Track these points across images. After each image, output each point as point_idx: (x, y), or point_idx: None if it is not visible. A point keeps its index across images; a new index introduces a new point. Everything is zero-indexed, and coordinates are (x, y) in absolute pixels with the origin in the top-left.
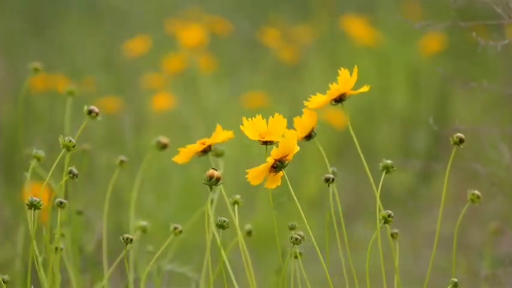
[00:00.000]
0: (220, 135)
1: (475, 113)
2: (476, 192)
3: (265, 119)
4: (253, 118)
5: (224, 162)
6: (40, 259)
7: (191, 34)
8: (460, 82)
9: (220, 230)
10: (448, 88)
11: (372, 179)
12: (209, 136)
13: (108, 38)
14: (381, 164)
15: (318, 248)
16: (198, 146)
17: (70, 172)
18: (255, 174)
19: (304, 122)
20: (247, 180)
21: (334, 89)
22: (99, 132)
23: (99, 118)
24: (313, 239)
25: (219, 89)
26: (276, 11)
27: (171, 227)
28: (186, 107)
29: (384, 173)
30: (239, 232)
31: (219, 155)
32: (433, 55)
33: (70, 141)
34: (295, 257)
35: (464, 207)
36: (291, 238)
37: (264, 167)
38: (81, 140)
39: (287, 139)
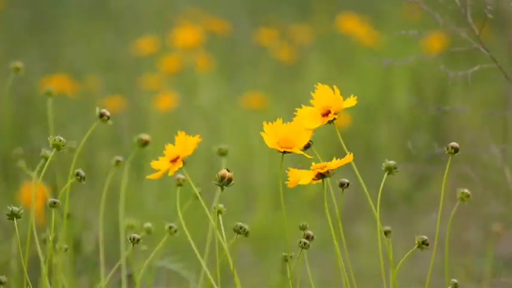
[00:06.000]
0: (189, 146)
1: (475, 112)
2: (466, 191)
3: (285, 124)
4: (256, 119)
5: (225, 162)
6: (42, 260)
7: (190, 34)
8: (433, 107)
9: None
10: (449, 88)
11: (364, 185)
12: (208, 135)
13: (108, 38)
14: (383, 164)
15: (319, 248)
16: (168, 166)
17: (77, 174)
18: (293, 181)
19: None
20: (287, 182)
21: (324, 108)
22: (99, 132)
23: (110, 122)
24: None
25: (218, 89)
26: (275, 11)
27: (166, 226)
28: (186, 107)
29: (386, 173)
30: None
31: (223, 153)
32: (437, 56)
33: (60, 140)
34: (297, 258)
35: (462, 209)
36: (300, 242)
37: (304, 180)
38: (80, 140)
39: (342, 161)
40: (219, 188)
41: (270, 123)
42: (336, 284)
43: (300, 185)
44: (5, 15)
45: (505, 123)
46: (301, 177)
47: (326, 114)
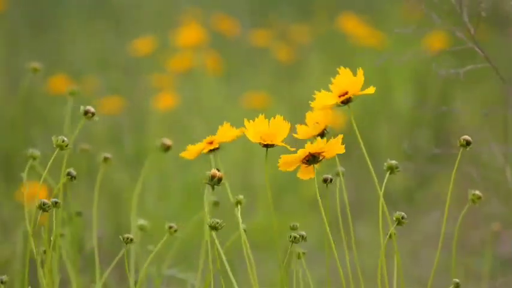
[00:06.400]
0: (228, 134)
1: (476, 112)
2: (477, 192)
3: (267, 120)
4: (254, 119)
5: (226, 162)
6: (39, 259)
7: (192, 34)
8: (433, 107)
9: (215, 231)
10: (450, 88)
11: (375, 179)
12: (209, 135)
13: (108, 38)
14: (385, 164)
15: (319, 248)
16: (204, 146)
17: (68, 174)
18: (285, 161)
19: (317, 119)
20: (278, 165)
21: (341, 91)
22: (100, 132)
23: (96, 118)
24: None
25: (219, 89)
26: (276, 11)
27: (166, 226)
28: (186, 107)
29: (388, 173)
30: (242, 234)
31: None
32: (435, 54)
33: (63, 141)
34: (298, 257)
35: (464, 208)
36: (290, 237)
37: (296, 157)
38: (81, 140)
39: (335, 140)
40: (256, 176)
41: (251, 121)
42: (329, 283)
43: (299, 181)
44: (5, 15)
45: (505, 123)
46: (291, 157)
47: (343, 95)
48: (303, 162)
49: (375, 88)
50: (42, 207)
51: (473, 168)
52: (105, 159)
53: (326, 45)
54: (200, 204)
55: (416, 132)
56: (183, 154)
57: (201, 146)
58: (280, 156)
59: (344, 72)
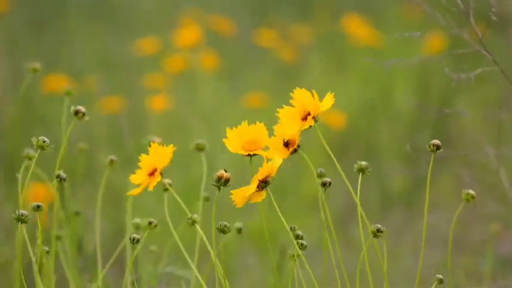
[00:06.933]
0: (166, 157)
1: (477, 112)
2: (471, 192)
3: (250, 127)
4: (243, 122)
5: (222, 162)
6: (35, 260)
7: (191, 34)
8: (434, 109)
9: (223, 234)
10: (452, 88)
11: (349, 184)
12: (209, 135)
13: (108, 37)
14: (355, 165)
15: (318, 248)
16: (147, 180)
17: (58, 176)
18: (240, 200)
19: (286, 136)
20: (232, 201)
21: (303, 109)
22: (99, 132)
23: (86, 118)
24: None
25: (219, 89)
26: (276, 11)
27: (146, 222)
28: (186, 107)
29: (360, 174)
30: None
31: (200, 149)
32: (435, 54)
33: (44, 141)
34: (293, 257)
35: (464, 208)
36: (300, 244)
37: (249, 192)
38: (81, 140)
39: (271, 164)
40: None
41: (234, 128)
42: (325, 283)
43: (299, 182)
44: (5, 15)
45: (501, 124)
46: (245, 192)
47: (305, 118)
48: (257, 190)
49: (333, 97)
50: (20, 218)
51: (472, 170)
52: (111, 161)
53: (326, 45)
54: (200, 204)
55: (417, 133)
56: (129, 193)
57: (144, 181)
58: (232, 192)
59: (301, 92)
